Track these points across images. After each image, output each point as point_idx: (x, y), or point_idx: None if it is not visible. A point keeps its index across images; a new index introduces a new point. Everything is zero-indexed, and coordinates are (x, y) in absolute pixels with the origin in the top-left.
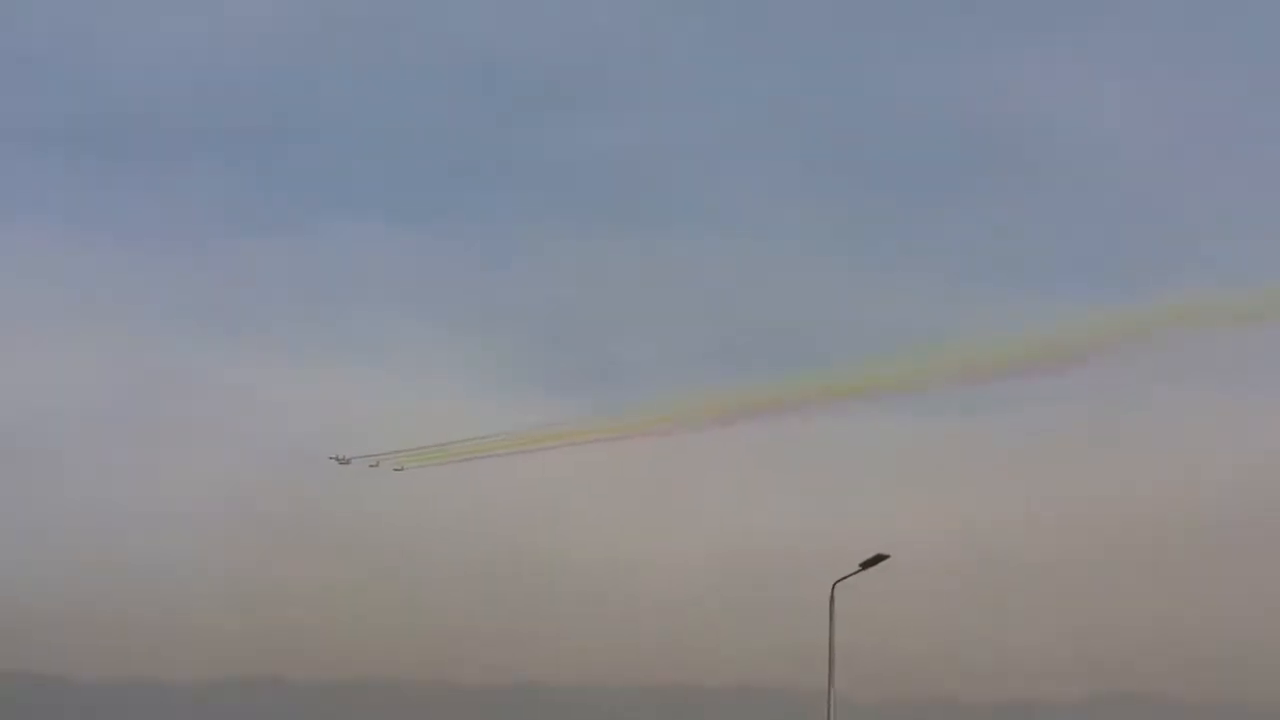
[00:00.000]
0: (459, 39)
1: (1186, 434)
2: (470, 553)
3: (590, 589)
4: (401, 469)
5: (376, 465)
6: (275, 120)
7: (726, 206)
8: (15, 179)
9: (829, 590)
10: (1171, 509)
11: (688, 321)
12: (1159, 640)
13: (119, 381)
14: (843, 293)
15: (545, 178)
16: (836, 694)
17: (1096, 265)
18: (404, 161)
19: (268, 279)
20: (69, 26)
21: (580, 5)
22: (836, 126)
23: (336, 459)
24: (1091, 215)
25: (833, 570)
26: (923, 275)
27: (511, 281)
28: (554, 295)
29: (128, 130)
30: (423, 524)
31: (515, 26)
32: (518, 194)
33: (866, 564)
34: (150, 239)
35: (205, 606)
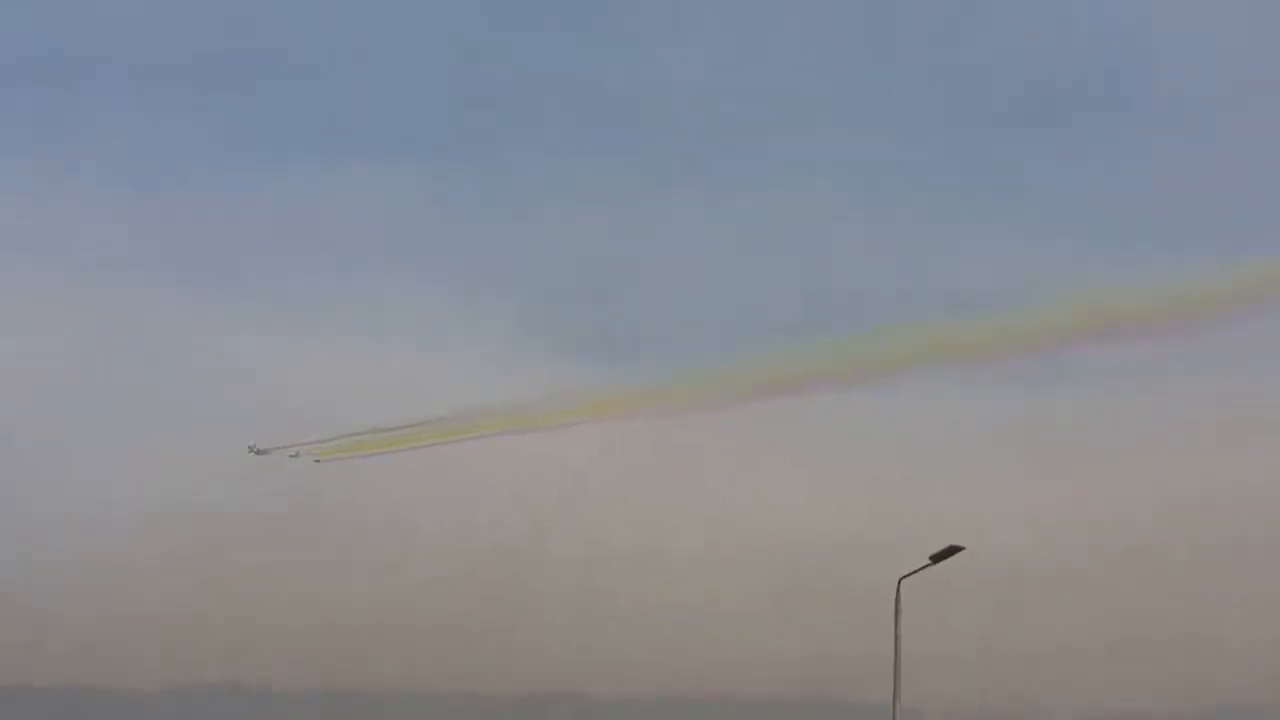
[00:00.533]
0: None
1: None
2: (473, 546)
3: (612, 586)
4: (319, 460)
5: (297, 455)
6: (263, 48)
7: (779, 148)
8: None
9: (893, 587)
10: None
11: (731, 279)
12: None
13: (86, 351)
14: (910, 248)
15: (569, 116)
16: (903, 707)
17: (1206, 218)
18: (408, 95)
19: (246, 231)
20: None
21: None
22: (912, 62)
23: (253, 449)
24: (1205, 158)
25: (896, 565)
26: (1003, 230)
27: (526, 232)
28: (576, 247)
29: (93, 64)
30: (421, 514)
31: None
32: (537, 133)
33: (937, 557)
34: (118, 186)
35: (193, 609)
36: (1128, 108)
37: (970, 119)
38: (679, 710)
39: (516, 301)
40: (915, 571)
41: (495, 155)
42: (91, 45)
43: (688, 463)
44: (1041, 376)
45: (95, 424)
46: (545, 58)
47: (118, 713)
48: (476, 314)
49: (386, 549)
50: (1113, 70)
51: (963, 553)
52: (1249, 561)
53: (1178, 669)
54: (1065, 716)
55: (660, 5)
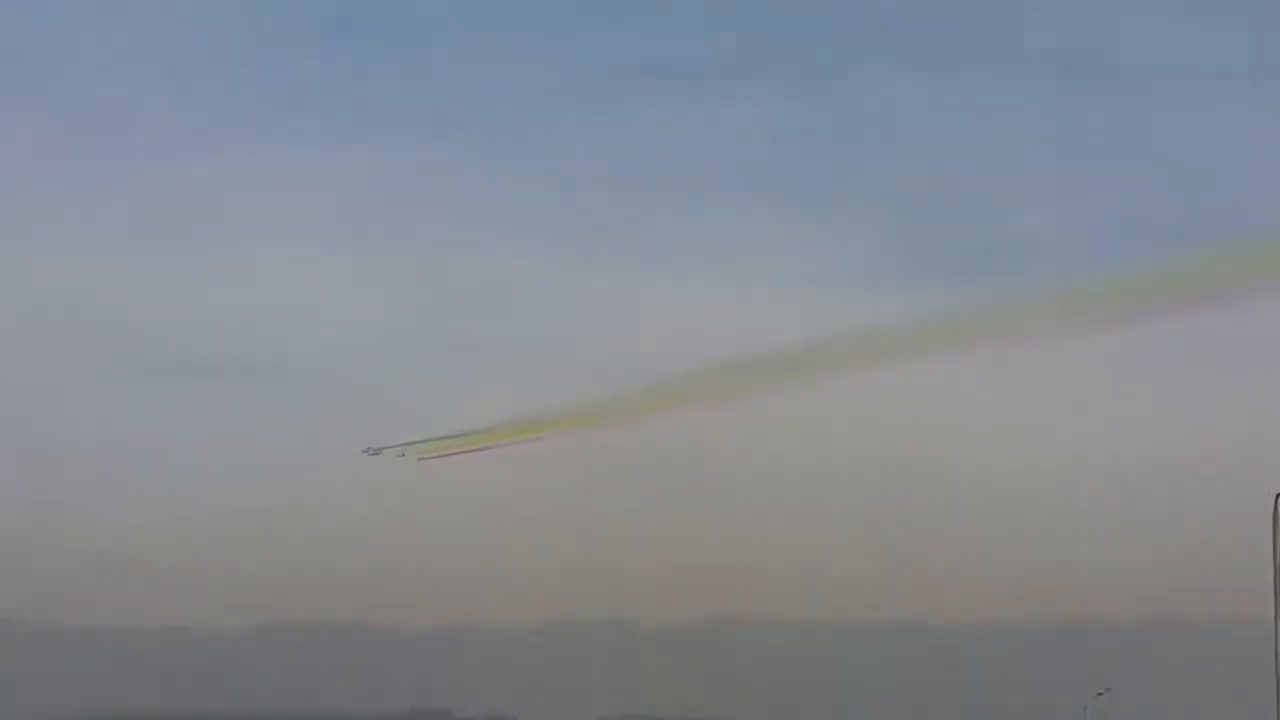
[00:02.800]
0: None
1: None
2: (827, 481)
3: (969, 514)
4: (427, 457)
5: (403, 455)
6: None
7: (1140, 46)
8: (280, 75)
9: (1270, 504)
10: None
11: (1093, 189)
12: None
13: (413, 297)
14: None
15: (905, 19)
16: None
17: None
18: (733, 32)
19: (570, 170)
20: None
21: None
22: None
23: (368, 451)
24: None
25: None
26: None
27: (864, 149)
28: (918, 159)
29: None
30: (769, 451)
31: None
32: (872, 42)
33: None
34: (428, 130)
35: (541, 547)
36: None
37: None
38: (1057, 634)
39: (863, 227)
40: None
41: (825, 75)
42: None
43: (1046, 387)
44: None
45: (458, 368)
46: None
47: (498, 647)
48: (822, 243)
49: (748, 490)
50: None
51: None
52: None
53: None
54: None
55: None
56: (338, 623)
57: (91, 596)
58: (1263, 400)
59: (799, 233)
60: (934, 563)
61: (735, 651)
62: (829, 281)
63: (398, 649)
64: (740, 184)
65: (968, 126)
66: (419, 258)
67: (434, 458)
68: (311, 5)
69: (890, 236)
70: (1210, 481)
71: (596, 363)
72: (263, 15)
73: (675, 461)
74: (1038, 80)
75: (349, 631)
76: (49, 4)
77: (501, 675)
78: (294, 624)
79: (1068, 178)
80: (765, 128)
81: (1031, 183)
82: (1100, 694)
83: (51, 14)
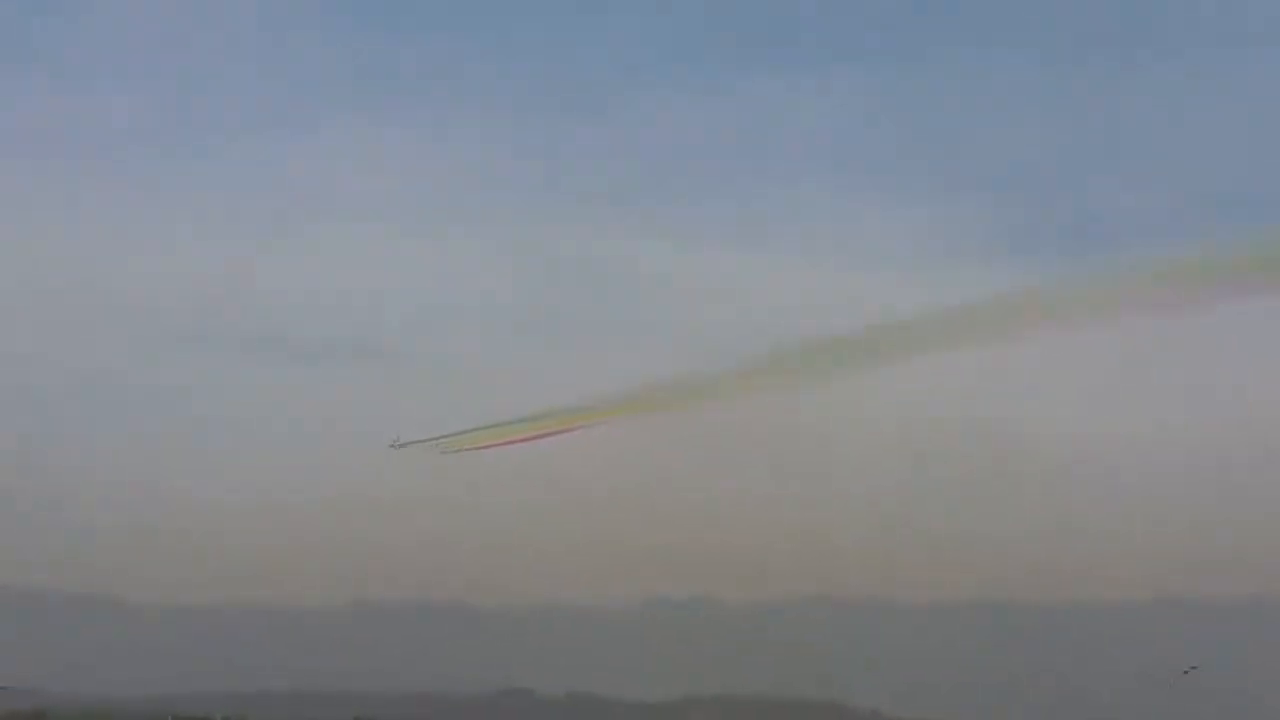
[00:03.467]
0: None
1: None
2: (915, 460)
3: (1066, 494)
4: (458, 451)
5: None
6: None
7: (1237, 18)
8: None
9: None
10: None
11: (1185, 165)
12: None
13: (516, 272)
14: None
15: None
16: None
17: None
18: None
19: (675, 147)
20: None
21: None
22: None
23: (394, 444)
24: None
25: None
26: None
27: (961, 126)
28: (1013, 136)
29: None
30: (856, 430)
31: None
32: (969, 27)
33: None
34: (522, 109)
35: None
36: None
37: None
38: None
39: (951, 203)
40: None
41: (923, 58)
42: None
43: (1141, 364)
44: None
45: (550, 342)
46: None
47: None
48: (913, 221)
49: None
50: None
51: None
52: None
53: None
54: None
55: None
56: (428, 601)
57: (198, 576)
58: None
59: (889, 210)
60: (1023, 542)
61: (821, 629)
62: (920, 258)
63: (482, 627)
64: (828, 162)
65: (1062, 101)
66: (512, 237)
67: (458, 451)
68: None
69: (983, 213)
70: None
71: (685, 340)
72: None
73: (757, 441)
74: (1129, 53)
75: (440, 610)
76: None
77: (583, 654)
78: (382, 603)
79: (1162, 154)
80: (857, 104)
81: (1125, 159)
82: (1188, 671)
83: None
